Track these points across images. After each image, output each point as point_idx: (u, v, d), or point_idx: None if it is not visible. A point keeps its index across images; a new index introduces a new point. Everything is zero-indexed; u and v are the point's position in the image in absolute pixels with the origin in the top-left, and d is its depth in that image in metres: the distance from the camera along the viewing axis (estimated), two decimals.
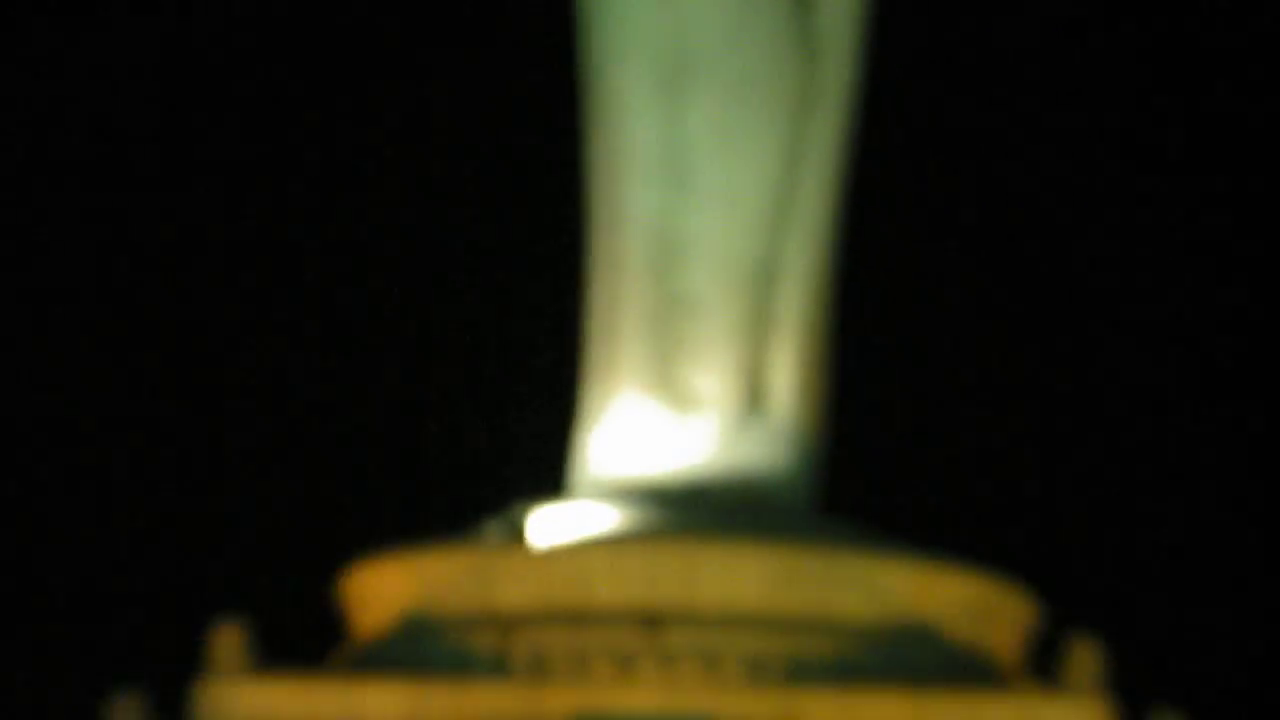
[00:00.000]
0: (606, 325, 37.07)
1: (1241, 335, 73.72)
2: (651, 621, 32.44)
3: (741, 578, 33.13)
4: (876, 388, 50.07)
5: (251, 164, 67.50)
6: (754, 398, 36.11)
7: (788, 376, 36.46)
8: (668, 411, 35.97)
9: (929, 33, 55.83)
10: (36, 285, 66.67)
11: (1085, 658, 31.26)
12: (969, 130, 65.26)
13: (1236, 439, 76.78)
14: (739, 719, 30.44)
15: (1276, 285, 69.33)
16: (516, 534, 34.82)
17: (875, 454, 48.48)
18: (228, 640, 32.11)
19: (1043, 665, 33.48)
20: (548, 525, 34.93)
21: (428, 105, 64.56)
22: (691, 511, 34.80)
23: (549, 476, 37.13)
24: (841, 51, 37.42)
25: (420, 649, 33.41)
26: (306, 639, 35.63)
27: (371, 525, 37.43)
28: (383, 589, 35.14)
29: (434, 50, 63.94)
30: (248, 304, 68.52)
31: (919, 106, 58.84)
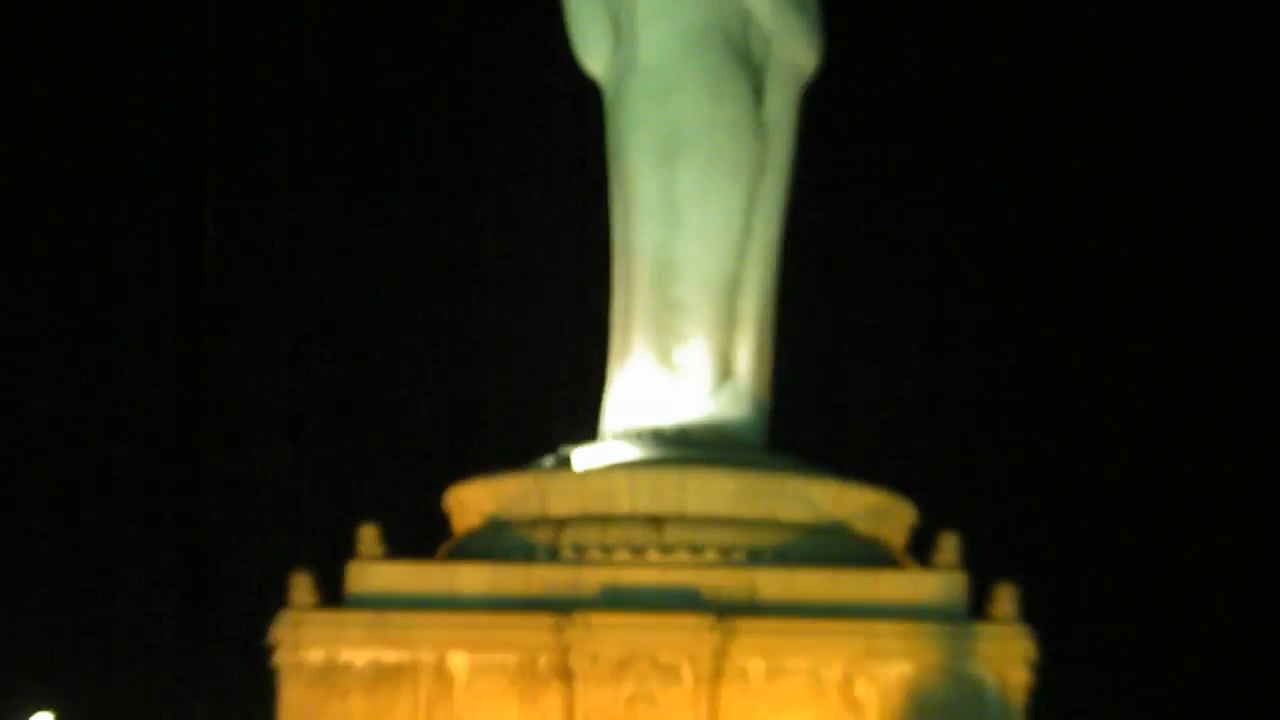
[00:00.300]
0: (624, 322, 37.19)
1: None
2: (655, 522, 32.72)
3: (716, 492, 33.41)
4: (807, 363, 50.17)
5: None
6: (724, 371, 36.18)
7: (747, 356, 36.53)
8: (665, 380, 36.08)
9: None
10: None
11: (949, 546, 31.56)
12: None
13: (1055, 377, 77.83)
14: (714, 589, 30.69)
15: None
16: (564, 463, 35.06)
17: (806, 408, 48.52)
18: (368, 537, 32.48)
19: (920, 551, 33.73)
20: (584, 457, 35.22)
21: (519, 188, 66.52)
22: (682, 448, 34.97)
23: (586, 425, 37.33)
24: (783, 135, 37.37)
25: (498, 542, 33.75)
26: (423, 536, 35.92)
27: (466, 459, 37.37)
28: (473, 501, 35.44)
29: (509, 139, 65.26)
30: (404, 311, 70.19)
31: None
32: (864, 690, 29.71)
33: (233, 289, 68.31)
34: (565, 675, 29.75)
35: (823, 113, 39.45)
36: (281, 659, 30.93)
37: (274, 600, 31.45)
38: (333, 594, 31.90)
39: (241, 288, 67.36)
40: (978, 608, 30.55)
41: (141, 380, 67.27)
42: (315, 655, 30.78)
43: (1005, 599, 30.13)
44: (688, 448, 34.95)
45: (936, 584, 31.19)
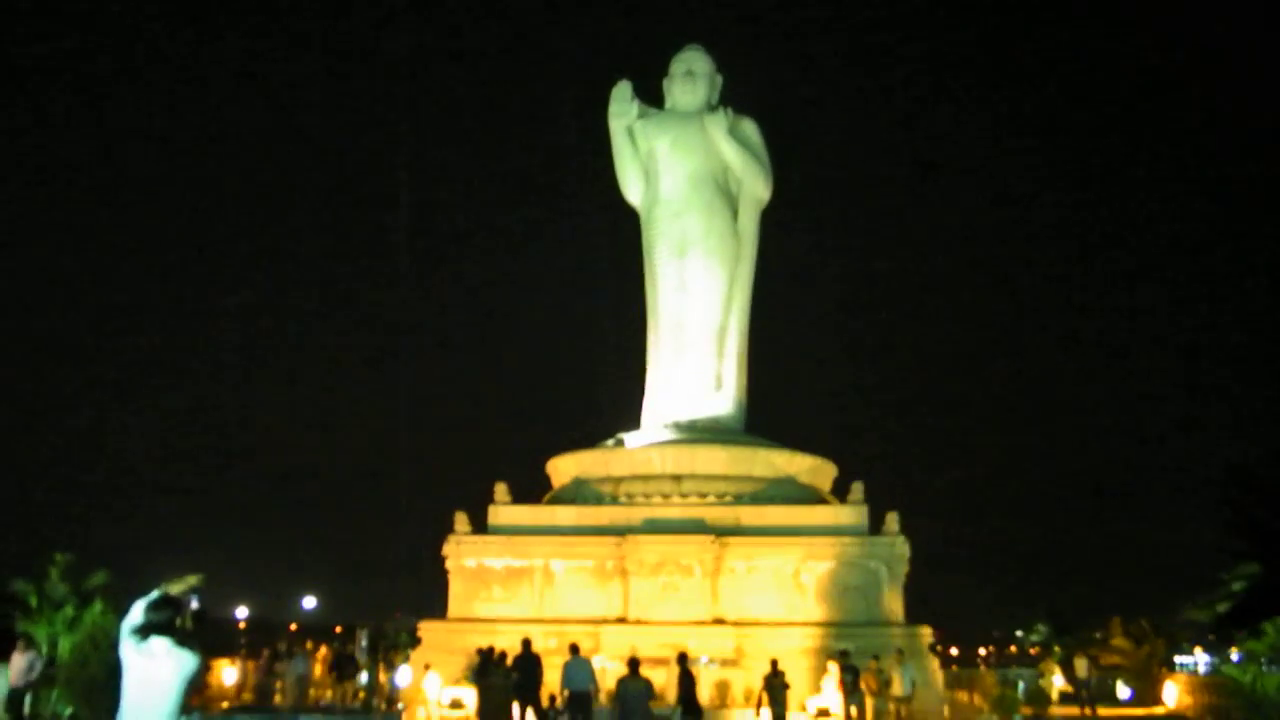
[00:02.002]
0: (655, 355, 37.35)
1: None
2: (676, 479, 32.91)
3: (714, 458, 33.54)
4: (767, 379, 50.17)
5: None
6: (717, 384, 36.30)
7: (731, 375, 36.66)
8: (681, 391, 36.24)
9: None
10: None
11: (857, 490, 31.72)
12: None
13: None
14: (714, 519, 30.88)
15: None
16: (619, 443, 35.19)
17: (767, 406, 48.62)
18: (501, 490, 32.86)
19: (840, 493, 33.74)
20: (632, 439, 35.37)
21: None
22: (691, 432, 35.16)
23: (632, 419, 37.35)
24: (750, 239, 37.45)
25: (580, 492, 33.94)
26: (534, 488, 36.12)
27: (560, 441, 37.56)
28: (564, 466, 35.61)
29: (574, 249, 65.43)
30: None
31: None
32: (807, 578, 29.84)
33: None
34: (623, 573, 29.97)
35: (771, 225, 39.58)
36: (450, 564, 31.28)
37: (445, 529, 31.75)
38: (480, 525, 32.14)
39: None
40: (875, 527, 30.68)
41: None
42: (471, 561, 31.18)
43: (892, 521, 30.37)
44: (695, 432, 35.13)
45: (850, 513, 31.32)
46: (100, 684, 20.70)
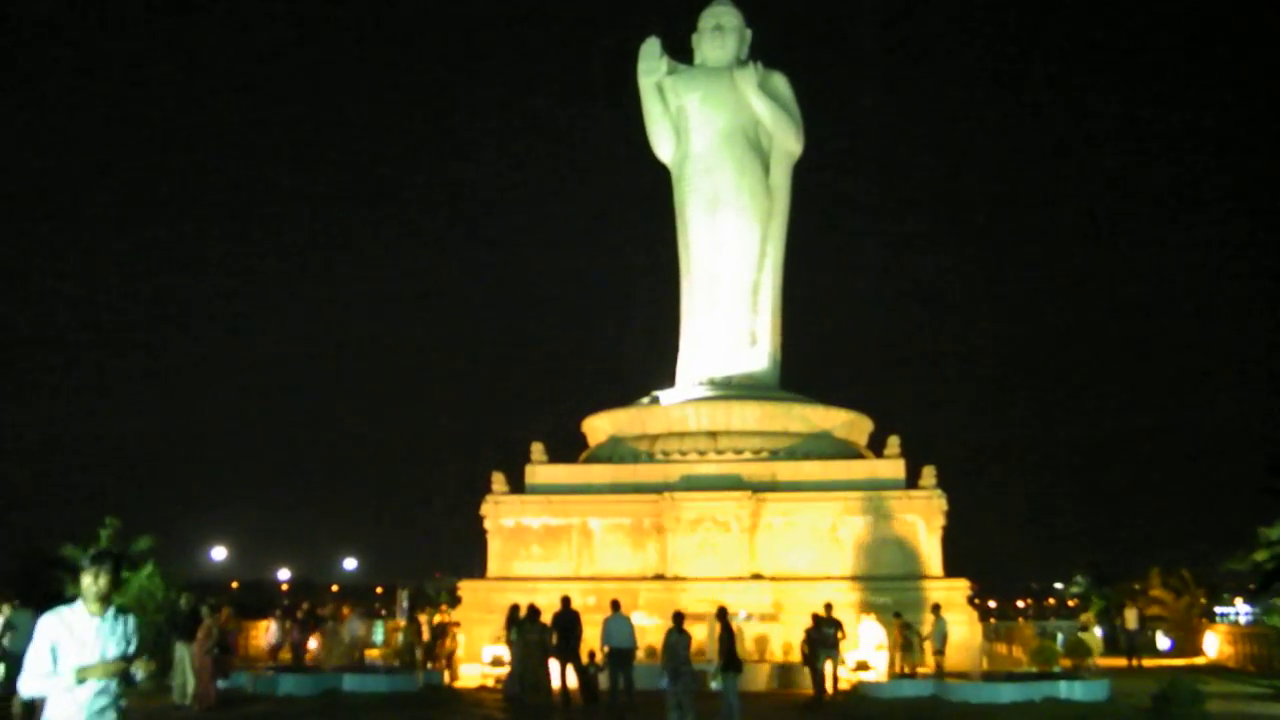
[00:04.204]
0: (690, 312, 37.22)
1: None
2: (712, 435, 32.92)
3: (750, 415, 33.46)
4: (801, 334, 49.87)
5: None
6: (751, 340, 36.20)
7: (765, 331, 36.54)
8: (715, 348, 36.18)
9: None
10: None
11: (894, 444, 31.54)
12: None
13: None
14: (750, 475, 30.84)
15: None
16: (655, 401, 35.22)
17: (801, 362, 48.37)
18: (537, 449, 32.89)
19: (876, 448, 33.61)
20: (668, 397, 35.37)
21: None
22: (726, 389, 35.09)
23: (668, 377, 37.35)
24: (783, 194, 37.22)
25: (616, 450, 33.98)
26: (570, 447, 36.25)
27: (595, 400, 37.60)
28: (600, 425, 35.63)
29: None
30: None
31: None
32: (844, 533, 29.84)
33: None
34: (660, 530, 30.06)
35: (803, 179, 39.27)
36: (489, 524, 31.48)
37: (483, 489, 31.95)
38: (517, 485, 32.30)
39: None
40: (912, 481, 30.55)
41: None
42: (508, 521, 31.38)
43: (929, 475, 30.14)
44: (730, 388, 35.06)
45: (887, 468, 31.15)
46: (148, 643, 21.14)
